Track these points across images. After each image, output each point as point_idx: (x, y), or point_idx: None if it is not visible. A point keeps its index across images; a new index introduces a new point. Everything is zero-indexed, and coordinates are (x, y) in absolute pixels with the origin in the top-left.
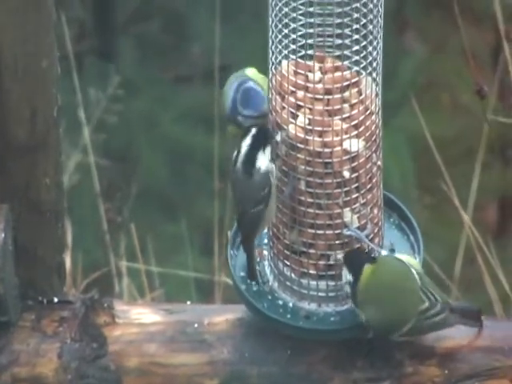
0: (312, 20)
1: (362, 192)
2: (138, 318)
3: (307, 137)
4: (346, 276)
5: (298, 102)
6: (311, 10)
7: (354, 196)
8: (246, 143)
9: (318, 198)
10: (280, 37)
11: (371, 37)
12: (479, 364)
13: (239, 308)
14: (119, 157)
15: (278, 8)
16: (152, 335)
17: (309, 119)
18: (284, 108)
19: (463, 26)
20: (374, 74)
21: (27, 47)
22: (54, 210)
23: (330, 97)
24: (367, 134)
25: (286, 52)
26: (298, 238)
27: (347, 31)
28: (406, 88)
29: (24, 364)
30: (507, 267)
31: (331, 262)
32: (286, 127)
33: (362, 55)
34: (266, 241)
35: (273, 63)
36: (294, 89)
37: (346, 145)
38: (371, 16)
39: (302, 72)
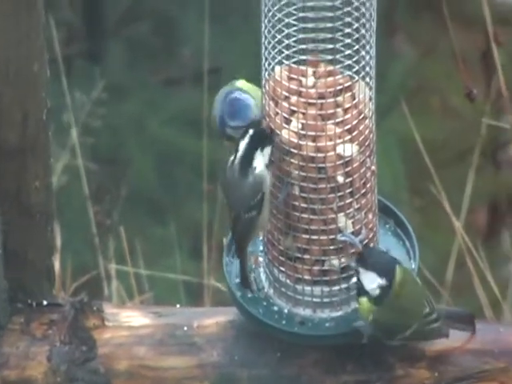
0: (305, 25)
1: (356, 197)
2: (128, 320)
3: (301, 142)
4: (375, 280)
5: (292, 107)
6: (303, 15)
7: (348, 201)
8: (244, 143)
9: (312, 203)
10: (273, 43)
11: (364, 41)
12: (469, 366)
13: (229, 311)
14: (109, 159)
15: (270, 14)
16: (141, 338)
17: (302, 124)
18: (277, 114)
19: (453, 29)
20: (368, 79)
21: (20, 50)
22: (44, 213)
23: (324, 101)
24: (361, 139)
25: (279, 58)
26: (293, 243)
27: (340, 36)
28: (395, 91)
29: (13, 367)
30: (497, 270)
31: (326, 268)
32: (279, 133)
33: (354, 59)
34: (261, 248)
35: (266, 69)
36: (287, 94)
37: (339, 150)
38: (363, 20)
39: (296, 77)
